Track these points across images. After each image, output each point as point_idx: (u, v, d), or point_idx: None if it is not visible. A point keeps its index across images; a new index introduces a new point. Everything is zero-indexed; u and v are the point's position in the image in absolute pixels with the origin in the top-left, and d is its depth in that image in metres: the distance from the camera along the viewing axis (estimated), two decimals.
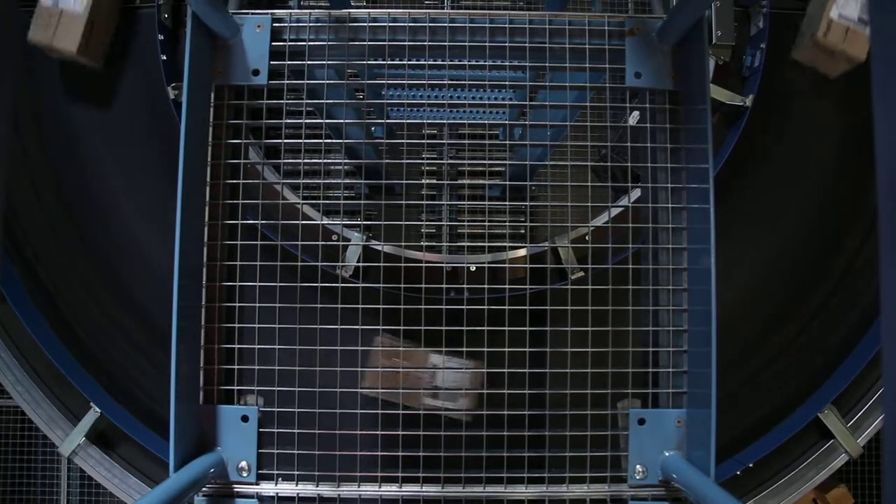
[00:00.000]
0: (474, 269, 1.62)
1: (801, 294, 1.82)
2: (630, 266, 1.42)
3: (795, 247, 1.84)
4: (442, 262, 1.63)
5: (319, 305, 1.37)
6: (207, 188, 1.39)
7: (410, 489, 1.34)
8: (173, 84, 1.75)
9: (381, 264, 1.41)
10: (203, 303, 1.38)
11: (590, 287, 1.39)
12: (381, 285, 1.40)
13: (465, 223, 2.09)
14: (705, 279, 1.32)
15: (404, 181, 1.42)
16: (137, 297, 1.78)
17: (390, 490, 1.34)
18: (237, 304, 1.40)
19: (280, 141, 1.43)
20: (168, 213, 1.28)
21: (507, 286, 1.43)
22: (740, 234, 1.80)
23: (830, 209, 1.83)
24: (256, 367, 1.37)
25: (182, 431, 1.27)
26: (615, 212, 1.59)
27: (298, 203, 1.54)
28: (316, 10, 1.44)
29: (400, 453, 1.35)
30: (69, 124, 1.91)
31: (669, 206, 1.42)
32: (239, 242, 1.40)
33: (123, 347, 1.77)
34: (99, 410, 1.76)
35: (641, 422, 1.37)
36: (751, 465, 1.69)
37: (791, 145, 1.85)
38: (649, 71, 1.43)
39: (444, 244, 1.99)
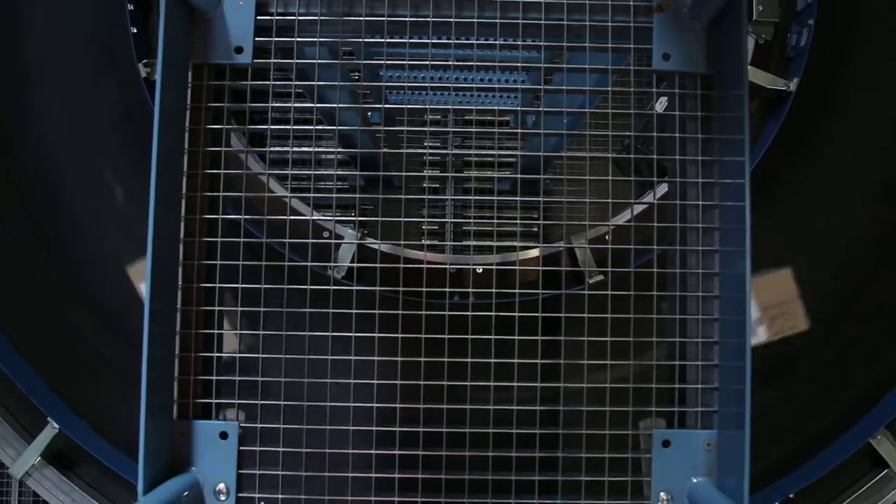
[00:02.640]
0: (481, 270, 1.52)
1: (850, 298, 1.66)
2: (655, 269, 1.30)
3: (848, 246, 1.69)
4: (445, 264, 1.53)
5: (308, 310, 1.27)
6: (184, 179, 1.28)
7: None
8: (145, 61, 1.61)
9: (378, 265, 1.31)
10: (178, 306, 1.27)
11: (609, 293, 1.28)
12: (377, 288, 1.30)
13: (471, 220, 1.98)
14: (740, 286, 1.20)
15: (404, 173, 1.31)
16: (103, 299, 1.64)
17: None
18: (217, 308, 1.29)
19: (266, 127, 1.31)
20: (140, 205, 1.16)
21: (517, 290, 1.32)
22: (786, 231, 1.65)
23: (889, 205, 1.67)
24: (237, 378, 1.27)
25: (153, 450, 1.15)
26: (639, 209, 1.47)
27: (286, 196, 1.43)
28: None
29: (396, 475, 1.24)
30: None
31: (700, 203, 1.31)
32: (219, 240, 1.29)
33: (87, 356, 1.64)
34: (57, 426, 1.60)
35: (666, 444, 1.27)
36: (791, 496, 1.56)
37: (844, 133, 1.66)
38: (679, 51, 1.32)
39: (447, 243, 1.87)
